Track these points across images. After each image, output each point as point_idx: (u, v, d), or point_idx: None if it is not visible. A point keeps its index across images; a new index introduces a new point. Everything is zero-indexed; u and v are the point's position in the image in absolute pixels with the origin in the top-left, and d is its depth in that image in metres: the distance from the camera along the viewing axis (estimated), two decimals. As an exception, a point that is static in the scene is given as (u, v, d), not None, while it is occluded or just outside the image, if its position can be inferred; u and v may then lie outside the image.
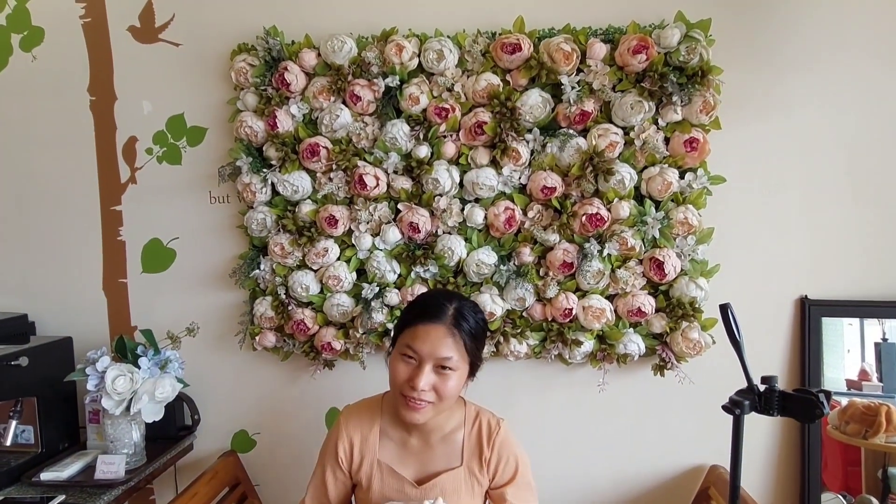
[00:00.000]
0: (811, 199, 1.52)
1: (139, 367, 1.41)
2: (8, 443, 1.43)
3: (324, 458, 1.24)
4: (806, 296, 1.54)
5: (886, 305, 1.52)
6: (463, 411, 1.24)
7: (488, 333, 1.31)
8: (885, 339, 1.61)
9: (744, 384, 0.95)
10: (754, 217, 1.53)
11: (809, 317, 1.53)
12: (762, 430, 1.60)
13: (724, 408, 0.93)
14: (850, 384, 1.61)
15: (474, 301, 1.31)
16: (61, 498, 1.31)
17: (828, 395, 0.91)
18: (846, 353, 1.61)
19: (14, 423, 1.43)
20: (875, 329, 1.58)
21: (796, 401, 0.90)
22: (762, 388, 0.93)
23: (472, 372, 1.18)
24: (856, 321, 1.58)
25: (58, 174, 1.73)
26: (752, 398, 0.93)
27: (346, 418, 1.24)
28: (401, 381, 1.11)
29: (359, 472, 1.20)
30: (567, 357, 1.53)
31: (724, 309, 0.96)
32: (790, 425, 1.59)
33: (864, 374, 1.62)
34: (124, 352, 1.43)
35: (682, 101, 1.43)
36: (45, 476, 1.39)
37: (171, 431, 1.64)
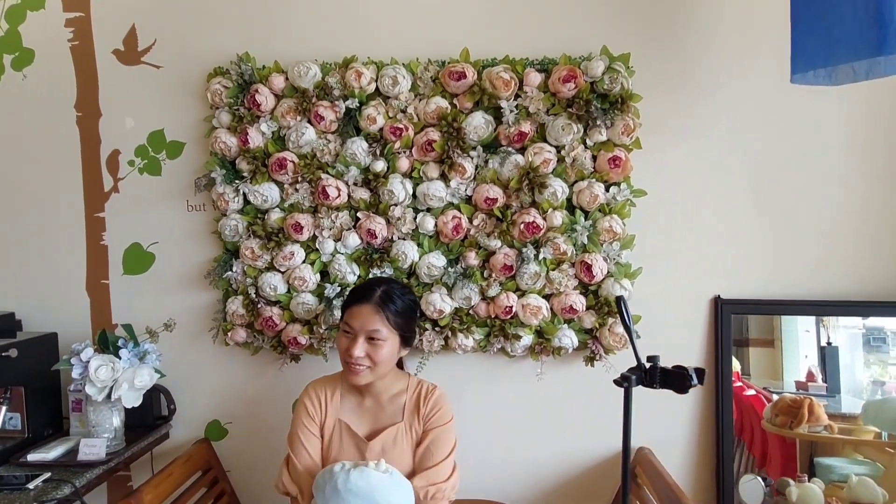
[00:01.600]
0: (722, 209, 1.73)
1: (120, 358, 1.56)
2: (1, 425, 1.57)
3: (297, 421, 1.44)
4: (719, 295, 1.74)
5: (787, 304, 1.73)
6: (407, 380, 1.48)
7: (418, 312, 1.53)
8: (829, 343, 1.79)
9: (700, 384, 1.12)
10: (673, 225, 1.73)
11: (721, 314, 1.73)
12: (685, 415, 1.78)
13: (616, 381, 1.12)
14: (799, 385, 1.79)
15: (404, 284, 1.54)
16: (47, 475, 1.45)
17: (700, 371, 1.11)
18: (803, 357, 1.79)
19: (3, 409, 1.57)
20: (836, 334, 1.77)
21: (672, 375, 1.09)
22: (648, 365, 1.12)
23: (406, 343, 1.42)
24: (812, 328, 1.76)
25: (46, 184, 1.88)
26: (639, 373, 1.12)
27: (313, 385, 1.48)
28: (342, 351, 1.36)
29: (324, 426, 1.42)
30: (509, 350, 1.71)
31: (618, 301, 1.15)
32: (711, 411, 1.77)
33: (810, 376, 1.80)
34: (106, 344, 1.58)
35: (606, 125, 1.63)
36: (32, 457, 1.53)
37: (148, 420, 1.79)
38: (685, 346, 1.76)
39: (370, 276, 1.71)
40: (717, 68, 1.70)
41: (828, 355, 1.79)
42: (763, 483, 1.79)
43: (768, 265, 1.74)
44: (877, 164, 1.69)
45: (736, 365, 1.78)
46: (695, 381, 1.07)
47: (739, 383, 1.78)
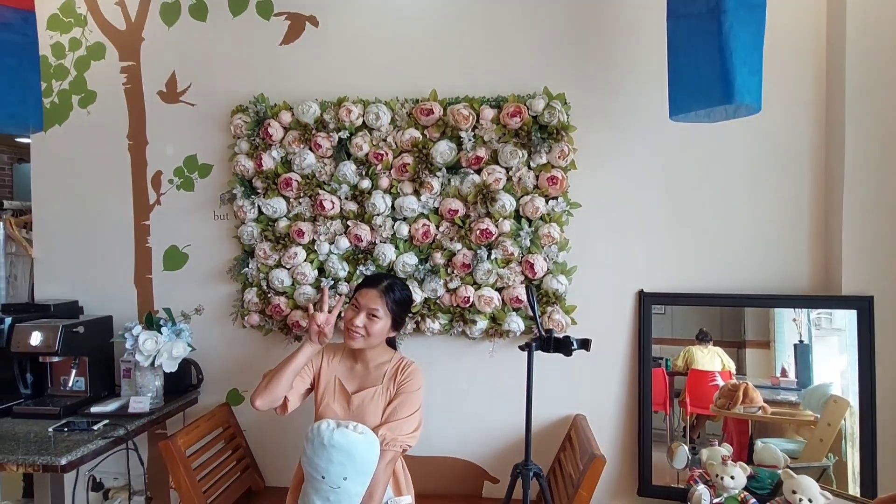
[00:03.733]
0: (644, 218, 2.09)
1: (161, 334, 2.01)
2: (70, 386, 2.03)
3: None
4: (642, 289, 2.10)
5: (700, 296, 2.06)
6: (392, 354, 1.83)
7: (411, 308, 1.89)
8: (801, 342, 2.06)
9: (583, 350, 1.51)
10: (604, 231, 2.10)
11: (643, 304, 2.09)
12: (616, 390, 2.13)
13: (520, 347, 1.51)
14: (774, 381, 2.05)
15: (405, 283, 1.90)
16: (106, 421, 1.90)
17: (585, 341, 1.49)
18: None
19: (74, 372, 2.04)
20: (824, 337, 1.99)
21: (560, 342, 1.47)
22: (546, 335, 1.50)
23: (396, 327, 1.79)
24: (805, 332, 1.99)
25: (103, 198, 2.35)
26: (539, 341, 1.50)
27: (326, 347, 1.84)
28: (347, 320, 1.73)
29: (320, 378, 1.79)
30: (468, 333, 2.10)
31: (527, 287, 1.54)
32: (635, 388, 2.12)
33: (783, 372, 2.06)
34: (151, 323, 2.03)
35: (545, 150, 2.02)
36: (95, 409, 1.99)
37: (182, 387, 2.23)
38: (615, 331, 2.12)
39: (357, 272, 2.13)
40: (638, 102, 2.07)
41: (799, 353, 2.04)
42: (688, 451, 2.12)
43: (683, 264, 2.09)
44: (775, 179, 2.04)
45: (731, 364, 2.06)
46: (575, 346, 1.45)
47: (718, 380, 2.07)
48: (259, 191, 2.18)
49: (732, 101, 1.54)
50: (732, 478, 1.84)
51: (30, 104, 1.85)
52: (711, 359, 2.10)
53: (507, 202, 2.02)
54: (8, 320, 2.04)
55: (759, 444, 2.05)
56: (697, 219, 2.08)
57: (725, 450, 2.06)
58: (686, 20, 1.70)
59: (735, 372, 2.06)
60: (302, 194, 2.14)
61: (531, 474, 1.52)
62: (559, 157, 2.01)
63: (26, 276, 2.46)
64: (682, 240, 2.09)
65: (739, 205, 2.06)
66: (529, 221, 2.06)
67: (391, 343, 1.90)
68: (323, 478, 1.59)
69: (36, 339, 1.97)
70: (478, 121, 2.06)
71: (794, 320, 2.05)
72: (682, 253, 2.09)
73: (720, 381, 2.09)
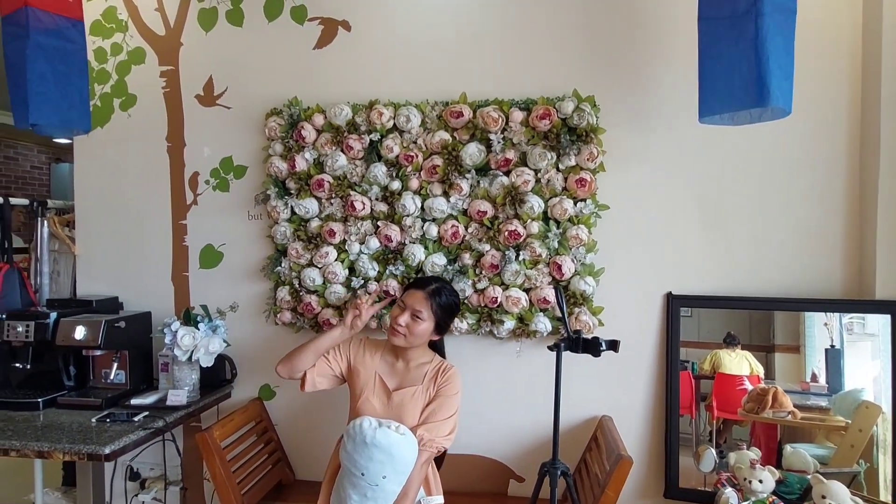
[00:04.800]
0: (673, 220, 2.09)
1: (199, 329, 2.07)
2: (111, 379, 2.12)
3: (339, 343, 1.86)
4: (670, 291, 2.10)
5: (728, 299, 2.06)
6: (433, 356, 1.87)
7: (456, 314, 1.94)
8: (832, 346, 2.04)
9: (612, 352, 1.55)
10: (632, 233, 2.10)
11: (672, 306, 2.09)
12: (643, 392, 2.14)
13: (549, 347, 1.53)
14: (804, 386, 2.03)
15: (454, 289, 1.93)
16: (146, 413, 1.98)
17: (613, 342, 1.50)
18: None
19: (115, 365, 2.12)
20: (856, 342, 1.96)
21: (589, 343, 1.49)
22: (574, 336, 1.52)
23: (438, 331, 1.82)
24: (837, 337, 1.98)
25: (142, 198, 2.43)
26: (567, 342, 1.52)
27: (368, 340, 1.90)
28: (392, 318, 1.78)
29: (360, 372, 1.82)
30: (496, 333, 2.12)
31: (556, 287, 1.56)
32: (663, 389, 2.12)
33: (814, 377, 2.05)
34: (189, 319, 2.10)
35: (573, 153, 2.03)
36: (134, 401, 2.06)
37: (216, 382, 2.30)
38: (642, 334, 2.12)
39: (387, 272, 2.17)
40: (668, 105, 2.07)
41: (830, 357, 2.02)
42: (715, 454, 2.11)
43: (712, 267, 2.08)
44: (806, 181, 2.02)
45: (759, 368, 2.05)
46: (604, 347, 1.47)
47: (745, 384, 2.06)
48: (292, 192, 2.24)
49: (767, 104, 1.54)
50: (761, 482, 1.84)
51: (79, 108, 1.93)
52: (739, 363, 2.08)
53: (535, 204, 2.04)
54: (53, 315, 2.13)
55: (787, 448, 2.03)
56: (727, 221, 2.07)
57: (754, 453, 2.06)
58: (718, 22, 1.69)
59: (763, 376, 2.04)
60: (333, 195, 2.19)
61: (558, 473, 1.54)
62: (588, 160, 2.02)
63: (69, 272, 2.56)
64: (711, 242, 2.08)
65: (770, 206, 2.05)
66: (557, 223, 2.07)
67: (437, 349, 1.92)
68: (362, 475, 1.63)
69: (80, 333, 2.05)
70: (507, 123, 2.08)
71: (826, 325, 2.02)
72: (711, 255, 2.08)
73: (748, 386, 2.07)
